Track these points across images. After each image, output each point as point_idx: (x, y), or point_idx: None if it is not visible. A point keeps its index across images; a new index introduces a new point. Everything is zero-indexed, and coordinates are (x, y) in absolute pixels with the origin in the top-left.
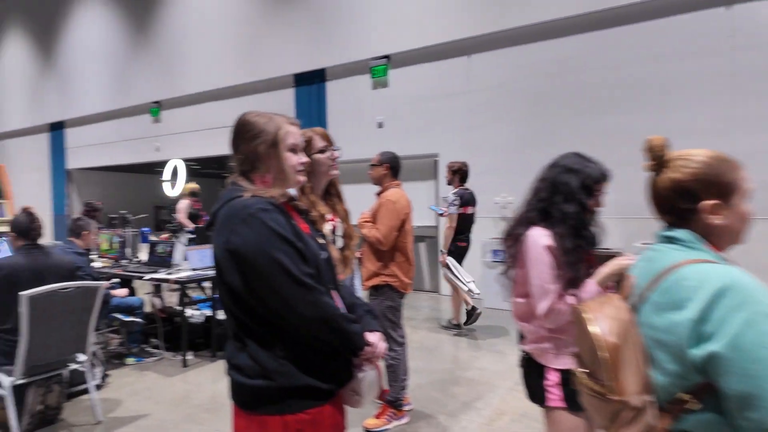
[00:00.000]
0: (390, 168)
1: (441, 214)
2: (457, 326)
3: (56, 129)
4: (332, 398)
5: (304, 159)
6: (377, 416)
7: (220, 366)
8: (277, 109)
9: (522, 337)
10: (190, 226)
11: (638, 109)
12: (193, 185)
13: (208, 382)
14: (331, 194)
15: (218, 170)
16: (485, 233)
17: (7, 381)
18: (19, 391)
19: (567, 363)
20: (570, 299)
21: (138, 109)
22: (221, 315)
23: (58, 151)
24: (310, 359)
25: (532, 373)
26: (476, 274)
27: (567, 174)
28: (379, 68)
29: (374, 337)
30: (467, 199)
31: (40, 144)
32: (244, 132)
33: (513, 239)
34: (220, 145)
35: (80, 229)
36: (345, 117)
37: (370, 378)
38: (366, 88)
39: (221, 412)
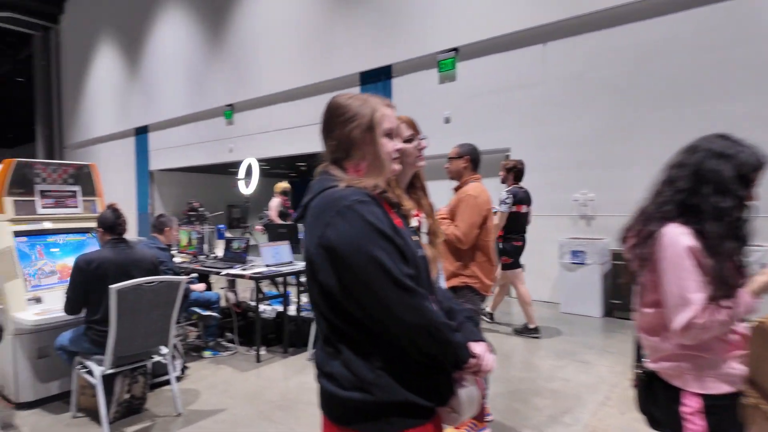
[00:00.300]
0: (470, 161)
1: (494, 213)
2: (535, 330)
3: (141, 133)
4: (433, 417)
5: (400, 145)
6: (457, 426)
7: (291, 362)
8: None
9: (640, 353)
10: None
11: (738, 95)
12: (285, 184)
13: (281, 379)
14: (416, 187)
15: (286, 170)
16: (563, 233)
17: (98, 370)
18: (107, 381)
19: (713, 387)
20: (719, 312)
21: (213, 113)
22: (292, 311)
23: (142, 153)
24: (411, 372)
25: (659, 396)
26: (552, 276)
27: (716, 160)
28: (446, 61)
29: (480, 348)
30: (521, 198)
31: (127, 147)
32: (336, 115)
33: (642, 237)
34: (290, 146)
35: (163, 225)
36: (411, 113)
37: (471, 394)
38: (432, 83)
39: (293, 410)
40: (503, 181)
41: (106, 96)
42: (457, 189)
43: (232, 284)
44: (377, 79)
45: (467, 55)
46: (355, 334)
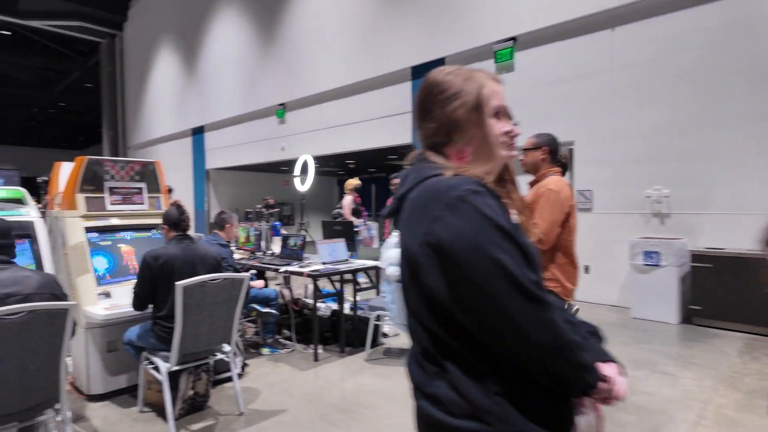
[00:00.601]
0: (549, 152)
1: None
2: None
3: (197, 133)
4: None
5: (509, 127)
6: None
7: (348, 362)
8: (395, 103)
9: None
10: (355, 222)
11: None
12: (356, 181)
13: (339, 380)
14: (505, 180)
15: (335, 168)
16: (634, 232)
17: (164, 367)
18: (172, 378)
19: None
20: None
21: (265, 112)
22: (347, 309)
23: (199, 153)
24: (533, 398)
25: None
26: (621, 279)
27: None
28: (504, 51)
29: (610, 371)
30: None
31: (185, 147)
32: (435, 93)
33: None
34: (340, 143)
35: (224, 222)
36: None
37: (590, 422)
38: None
39: (354, 414)
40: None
41: (165, 98)
42: (532, 183)
43: (287, 281)
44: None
45: (526, 44)
46: (465, 351)
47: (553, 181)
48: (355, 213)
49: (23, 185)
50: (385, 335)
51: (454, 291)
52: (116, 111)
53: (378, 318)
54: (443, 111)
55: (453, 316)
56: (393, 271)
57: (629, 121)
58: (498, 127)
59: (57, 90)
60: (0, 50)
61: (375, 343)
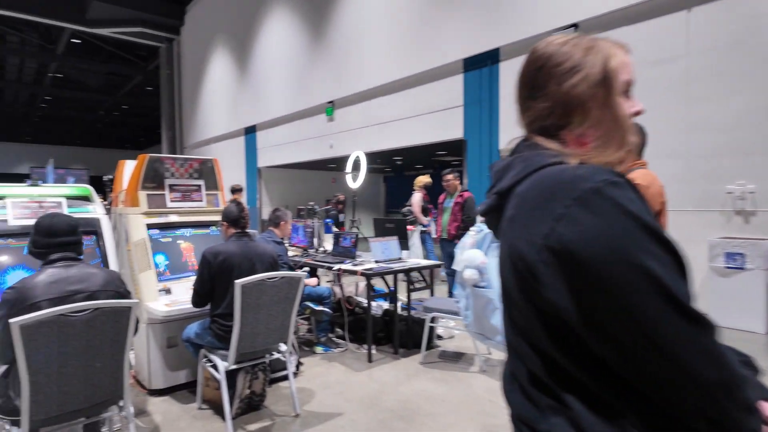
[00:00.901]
0: (635, 144)
1: None
2: None
3: (250, 132)
4: None
5: (639, 106)
6: None
7: (403, 365)
8: (446, 97)
9: None
10: (424, 220)
11: None
12: (427, 178)
13: (394, 383)
14: None
15: (382, 165)
16: (713, 231)
17: (222, 366)
18: (229, 376)
19: None
20: None
21: (314, 110)
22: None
23: (251, 151)
24: None
25: None
26: (697, 282)
27: None
28: None
29: None
30: None
31: (238, 146)
32: (549, 67)
33: None
34: (389, 140)
35: (278, 219)
36: None
37: None
38: None
39: (414, 422)
40: None
41: (219, 99)
42: None
43: (338, 278)
44: (483, 64)
45: (590, 30)
46: (594, 383)
47: (641, 175)
48: (424, 211)
49: (91, 184)
50: (439, 337)
51: (584, 309)
52: (174, 112)
53: (433, 320)
54: (560, 88)
55: (580, 340)
56: (470, 274)
57: (707, 111)
58: (627, 106)
59: (121, 93)
60: (71, 57)
61: (430, 346)
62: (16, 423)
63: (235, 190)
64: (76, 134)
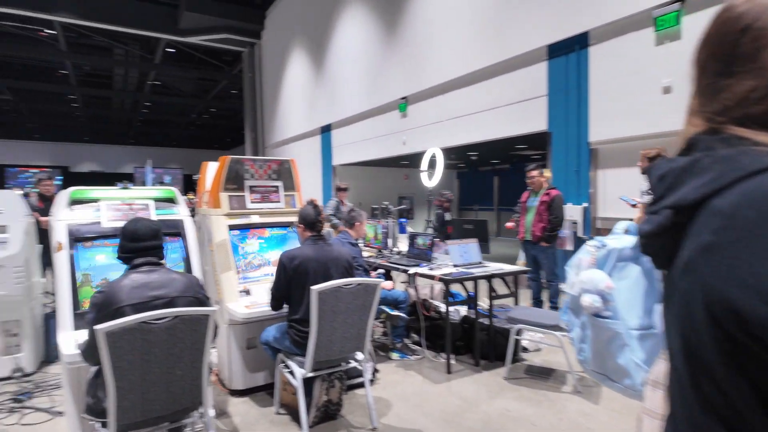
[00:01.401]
0: None
1: (633, 205)
2: None
3: (325, 131)
4: None
5: None
6: None
7: (485, 379)
8: (527, 87)
9: None
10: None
11: None
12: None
13: (476, 399)
14: None
15: (455, 161)
16: None
17: (299, 373)
18: (306, 383)
19: None
20: None
21: (387, 107)
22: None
23: (326, 150)
24: None
25: None
26: None
27: None
28: (668, 17)
29: None
30: None
31: (314, 145)
32: (754, 38)
33: None
34: (463, 135)
35: (354, 219)
36: (613, 86)
37: None
38: (646, 46)
39: None
40: (644, 172)
41: (297, 99)
42: None
43: (413, 281)
44: (570, 50)
45: (698, 4)
46: None
47: None
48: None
49: (185, 182)
50: (525, 349)
51: None
52: (256, 113)
53: (519, 332)
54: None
55: None
56: (591, 301)
57: None
58: None
59: (209, 97)
60: (167, 66)
61: (515, 359)
62: (104, 425)
63: (341, 189)
64: (172, 136)
